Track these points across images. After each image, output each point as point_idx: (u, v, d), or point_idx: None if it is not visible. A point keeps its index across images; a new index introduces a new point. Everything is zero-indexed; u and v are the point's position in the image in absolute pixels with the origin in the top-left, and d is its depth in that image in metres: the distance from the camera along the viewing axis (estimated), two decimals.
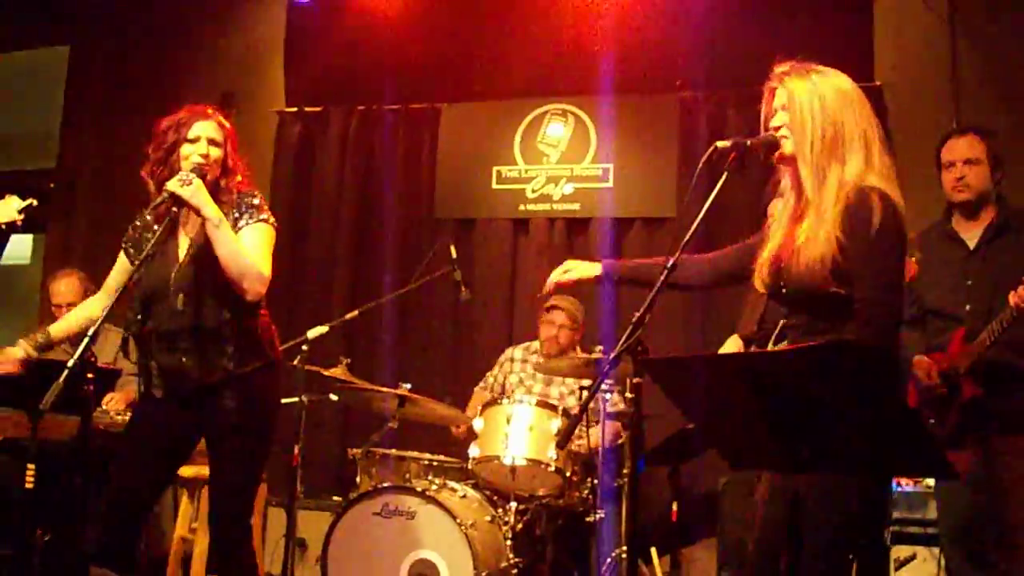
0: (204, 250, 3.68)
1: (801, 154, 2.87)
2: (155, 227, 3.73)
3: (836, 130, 2.83)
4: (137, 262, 3.66)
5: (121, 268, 3.91)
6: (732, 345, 4.97)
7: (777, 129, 2.94)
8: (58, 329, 3.95)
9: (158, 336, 3.73)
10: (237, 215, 3.75)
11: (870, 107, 2.91)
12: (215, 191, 3.72)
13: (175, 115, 3.83)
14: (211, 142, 3.76)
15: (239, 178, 3.84)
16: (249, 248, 3.69)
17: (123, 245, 3.88)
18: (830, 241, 2.74)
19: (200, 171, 3.67)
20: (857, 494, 2.69)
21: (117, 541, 3.68)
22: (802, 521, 2.72)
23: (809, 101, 2.86)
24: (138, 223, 3.87)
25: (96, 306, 3.92)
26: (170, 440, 3.77)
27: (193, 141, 3.75)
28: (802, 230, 2.85)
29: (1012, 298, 3.81)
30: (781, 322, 4.38)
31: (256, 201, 3.80)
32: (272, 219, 3.82)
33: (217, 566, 3.86)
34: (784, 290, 2.91)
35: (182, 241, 3.77)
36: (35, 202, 3.87)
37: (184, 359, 3.67)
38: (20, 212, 3.84)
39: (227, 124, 3.86)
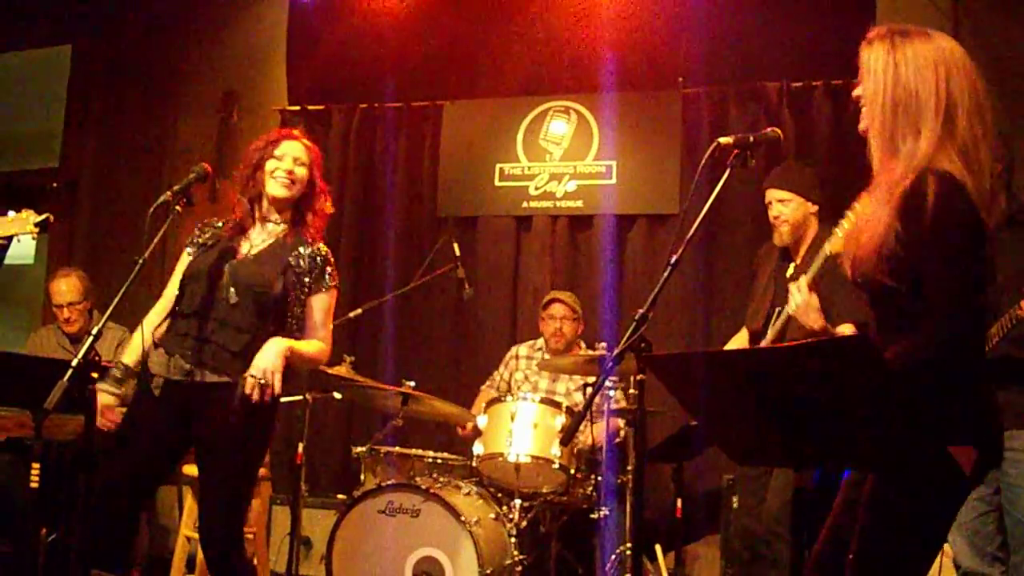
0: (265, 259, 3.82)
1: (872, 126, 2.68)
2: (218, 225, 3.92)
3: (909, 98, 2.60)
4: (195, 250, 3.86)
5: (179, 270, 3.95)
6: (740, 339, 4.97)
7: (858, 100, 2.73)
8: (131, 356, 3.91)
9: (181, 317, 3.76)
10: (310, 271, 3.88)
11: (965, 70, 2.63)
12: (300, 213, 3.93)
13: (265, 136, 4.01)
14: (296, 161, 3.90)
15: (328, 206, 4.02)
16: (318, 322, 3.91)
17: (186, 248, 3.96)
18: (888, 229, 2.51)
19: (202, 172, 3.72)
20: (919, 503, 2.56)
21: (109, 539, 3.68)
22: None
23: (883, 69, 2.65)
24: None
25: (152, 315, 3.93)
26: (163, 441, 3.75)
27: (279, 158, 3.88)
28: (868, 209, 2.67)
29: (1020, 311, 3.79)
30: (777, 309, 4.40)
31: (330, 261, 3.96)
32: (337, 279, 3.99)
33: (209, 560, 3.83)
34: (855, 278, 2.68)
35: (246, 243, 3.89)
36: (51, 217, 3.88)
37: (190, 351, 3.68)
38: (36, 226, 3.85)
39: (313, 147, 4.01)
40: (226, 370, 3.68)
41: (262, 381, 3.60)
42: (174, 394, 3.71)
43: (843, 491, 2.86)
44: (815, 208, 4.67)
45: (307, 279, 3.86)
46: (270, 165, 3.87)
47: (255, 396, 3.60)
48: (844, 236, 2.84)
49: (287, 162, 3.88)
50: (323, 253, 3.93)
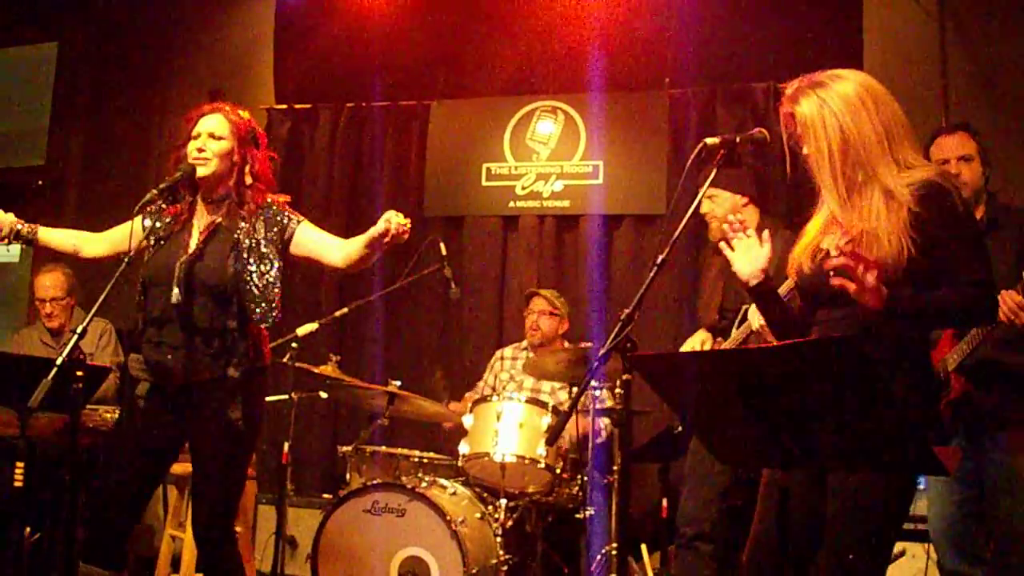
0: (211, 247, 3.71)
1: (826, 180, 2.84)
2: (166, 210, 3.76)
3: (851, 142, 2.79)
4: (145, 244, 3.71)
5: (125, 232, 3.84)
6: (699, 337, 4.96)
7: (808, 159, 2.89)
8: (46, 233, 3.95)
9: (148, 323, 3.72)
10: (267, 231, 3.76)
11: (884, 96, 2.86)
12: (224, 185, 3.76)
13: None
14: (212, 135, 3.73)
15: (250, 180, 3.80)
16: (324, 237, 3.82)
17: (140, 212, 3.74)
18: (901, 237, 2.69)
19: (188, 170, 3.69)
20: (884, 491, 2.70)
21: (107, 540, 3.68)
22: (795, 516, 2.71)
23: (822, 125, 2.82)
24: (158, 197, 3.73)
25: (88, 244, 3.94)
26: (157, 439, 3.75)
27: (195, 136, 3.75)
28: (848, 227, 2.82)
29: (1002, 314, 3.79)
30: (743, 307, 4.43)
31: (284, 208, 3.84)
32: (298, 215, 3.88)
33: (203, 569, 3.85)
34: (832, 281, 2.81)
35: (194, 232, 3.77)
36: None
37: (169, 356, 3.66)
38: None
39: (238, 118, 3.82)
40: (211, 368, 3.66)
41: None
42: (162, 398, 3.71)
43: (763, 490, 2.92)
44: (744, 199, 4.75)
45: (270, 245, 3.75)
46: (189, 146, 3.74)
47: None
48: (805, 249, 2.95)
49: (200, 139, 3.72)
50: (273, 207, 3.81)
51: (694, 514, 4.78)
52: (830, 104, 2.82)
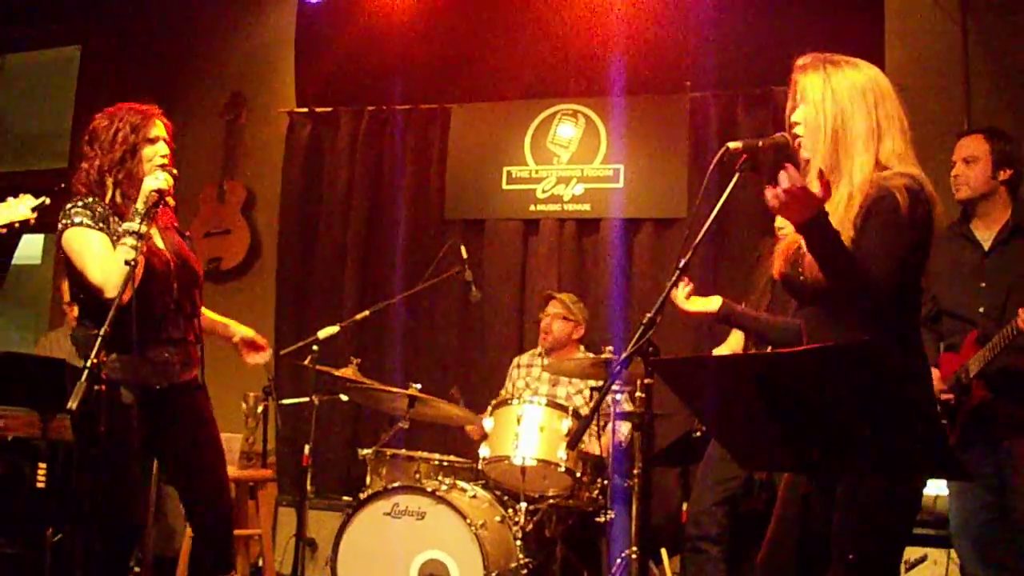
0: (179, 244, 3.83)
1: (813, 153, 2.84)
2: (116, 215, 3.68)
3: (844, 126, 2.79)
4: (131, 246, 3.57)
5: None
6: (734, 339, 4.96)
7: (795, 125, 2.89)
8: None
9: (143, 323, 3.52)
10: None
11: (890, 95, 2.85)
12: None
13: (120, 114, 3.80)
14: (166, 142, 3.77)
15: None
16: None
17: (94, 224, 3.66)
18: (846, 227, 2.68)
19: (168, 169, 3.69)
20: (890, 502, 2.68)
21: (119, 554, 3.70)
22: (815, 520, 2.70)
23: (822, 98, 2.82)
24: (95, 205, 3.72)
25: None
26: (144, 445, 3.73)
27: (153, 141, 3.73)
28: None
29: (1022, 321, 3.78)
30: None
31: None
32: None
33: (213, 560, 3.79)
34: (802, 278, 2.83)
35: (154, 232, 3.69)
36: (47, 200, 3.85)
37: (166, 354, 3.67)
38: (33, 210, 3.82)
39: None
40: (196, 363, 3.78)
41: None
42: (148, 401, 3.64)
43: (783, 493, 2.91)
44: None
45: None
46: (147, 151, 3.69)
47: None
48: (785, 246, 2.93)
49: (162, 145, 3.72)
50: None
51: (699, 517, 4.85)
52: (833, 82, 2.83)
